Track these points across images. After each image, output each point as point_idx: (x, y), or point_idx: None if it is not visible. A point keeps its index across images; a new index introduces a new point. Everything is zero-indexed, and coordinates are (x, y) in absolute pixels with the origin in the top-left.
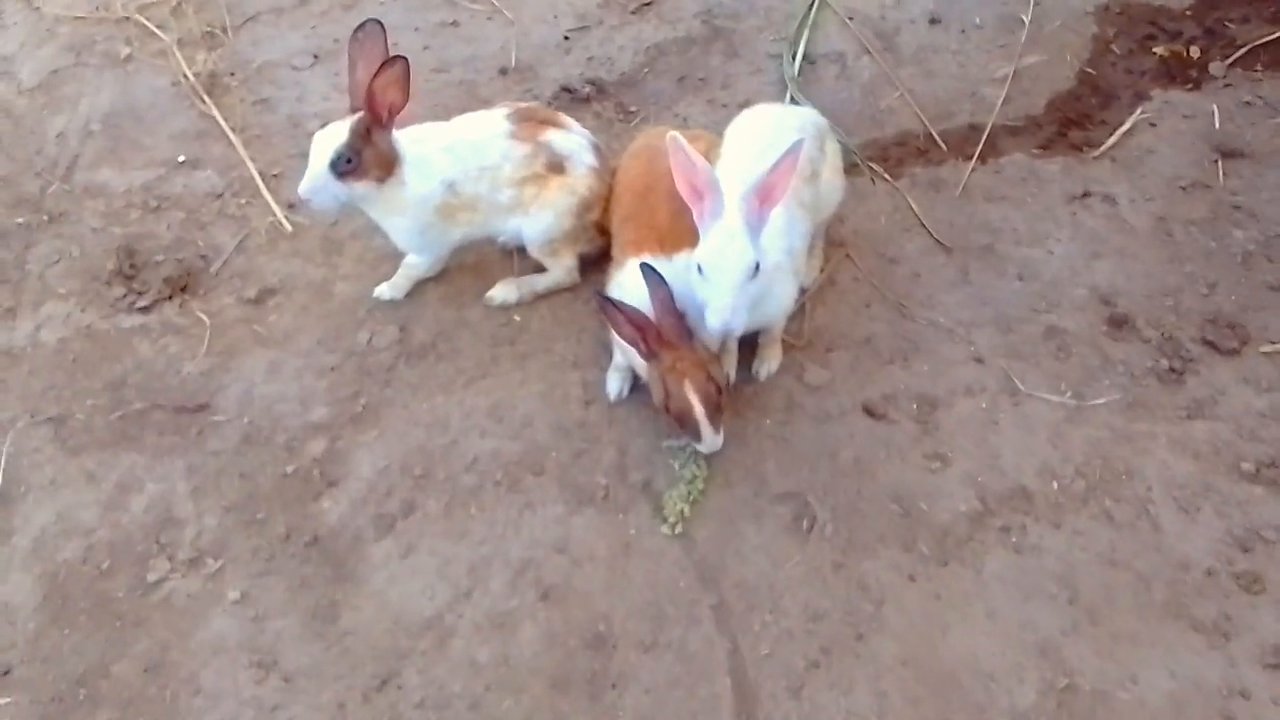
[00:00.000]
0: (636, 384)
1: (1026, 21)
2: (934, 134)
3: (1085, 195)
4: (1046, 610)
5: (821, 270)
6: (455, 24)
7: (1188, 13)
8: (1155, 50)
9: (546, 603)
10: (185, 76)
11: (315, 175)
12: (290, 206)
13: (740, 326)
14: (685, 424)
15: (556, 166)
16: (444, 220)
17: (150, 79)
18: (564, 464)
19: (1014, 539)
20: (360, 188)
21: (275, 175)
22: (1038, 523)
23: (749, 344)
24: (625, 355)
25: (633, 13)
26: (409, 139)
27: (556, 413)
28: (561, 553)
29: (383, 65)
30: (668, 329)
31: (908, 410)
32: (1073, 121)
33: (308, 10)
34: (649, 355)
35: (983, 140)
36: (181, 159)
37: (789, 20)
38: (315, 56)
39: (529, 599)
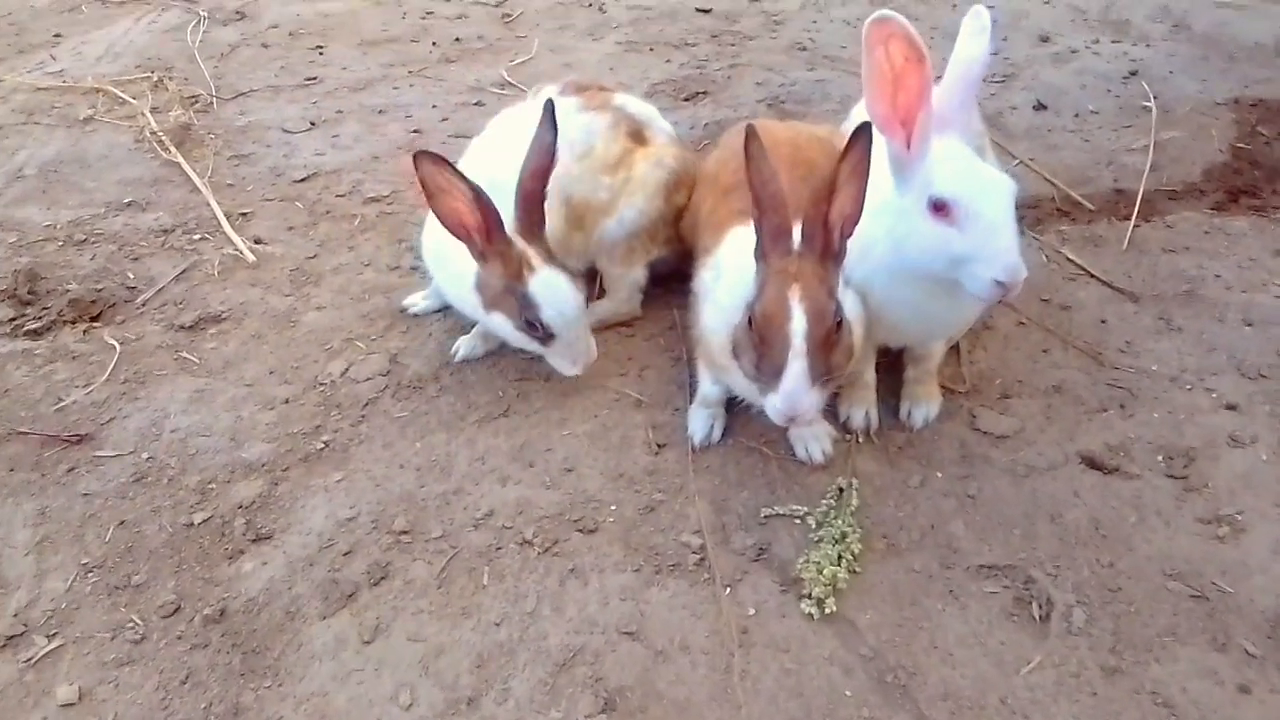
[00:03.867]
0: (730, 428)
1: (1153, 106)
2: (1074, 196)
3: None
4: None
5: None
6: (479, 104)
7: None
8: None
9: (612, 717)
10: (151, 132)
11: None
12: (257, 240)
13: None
14: (766, 349)
15: (638, 135)
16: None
17: (109, 136)
18: (630, 521)
19: None
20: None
21: (244, 214)
22: None
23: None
24: (720, 382)
25: (685, 100)
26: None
27: (614, 458)
28: (634, 639)
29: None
30: (811, 222)
31: (1151, 464)
32: (1242, 190)
33: (310, 90)
34: (764, 250)
35: (1138, 200)
36: (128, 200)
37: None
38: (312, 123)
39: (582, 709)
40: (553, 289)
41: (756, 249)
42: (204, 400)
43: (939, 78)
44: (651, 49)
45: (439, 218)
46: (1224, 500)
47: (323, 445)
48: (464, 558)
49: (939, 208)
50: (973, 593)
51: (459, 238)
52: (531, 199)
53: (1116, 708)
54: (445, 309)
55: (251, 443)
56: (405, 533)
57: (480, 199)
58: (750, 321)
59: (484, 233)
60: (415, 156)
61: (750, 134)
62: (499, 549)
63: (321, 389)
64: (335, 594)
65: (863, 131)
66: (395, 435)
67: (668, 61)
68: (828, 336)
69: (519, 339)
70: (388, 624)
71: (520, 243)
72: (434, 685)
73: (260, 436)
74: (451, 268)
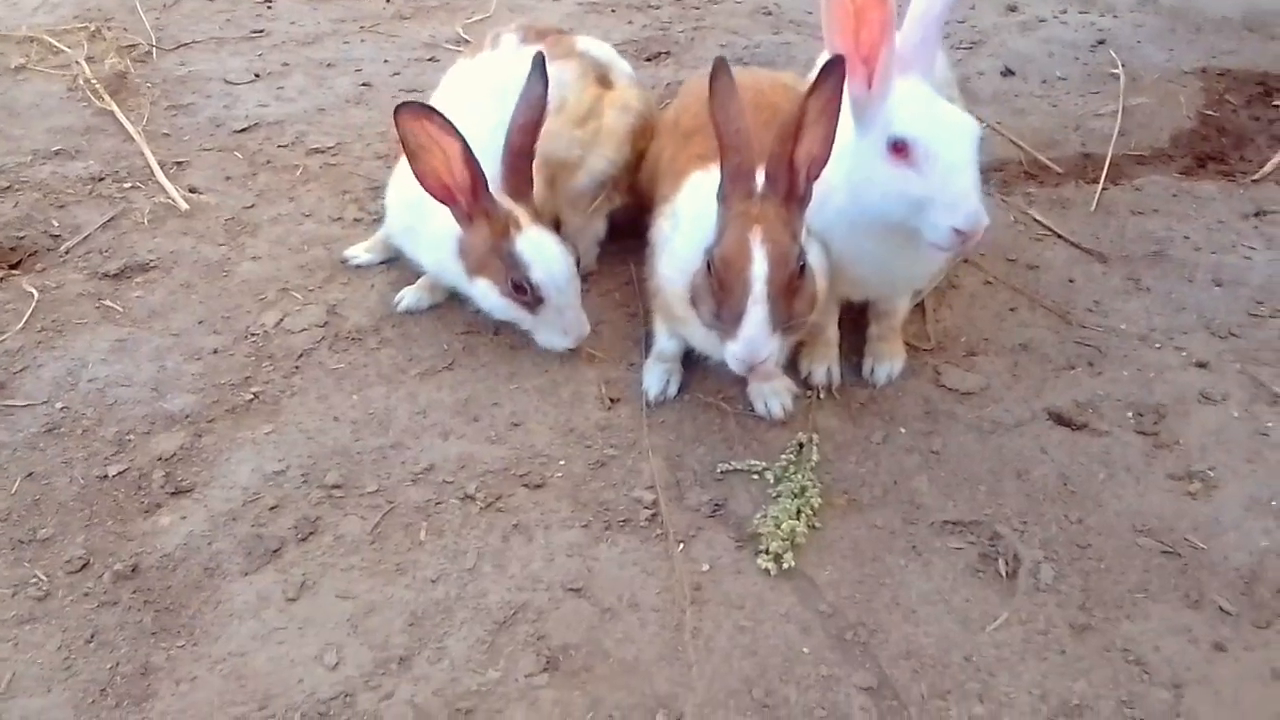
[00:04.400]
0: (687, 383)
1: (1121, 73)
2: (1042, 159)
3: (1261, 213)
4: None
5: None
6: (433, 60)
7: None
8: (1277, 104)
9: (555, 677)
10: (84, 81)
11: None
12: (191, 190)
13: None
14: (726, 294)
15: (604, 80)
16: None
17: (40, 85)
18: (579, 477)
19: None
20: None
21: (179, 163)
22: None
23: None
24: (676, 335)
25: (647, 60)
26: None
27: (565, 414)
28: (580, 596)
29: None
30: (775, 162)
31: (1120, 420)
32: (1209, 156)
33: (256, 43)
34: (726, 191)
35: (1107, 163)
36: (57, 149)
37: None
38: (256, 75)
39: (523, 669)
40: (541, 248)
41: (719, 190)
42: (126, 350)
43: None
44: (613, 10)
45: (419, 178)
46: (1195, 456)
47: (252, 397)
48: (400, 513)
49: (898, 148)
50: (936, 549)
51: (440, 199)
52: (520, 156)
53: (1086, 665)
54: (389, 261)
55: (175, 394)
56: (337, 487)
57: (469, 155)
58: (709, 266)
59: (470, 192)
60: (397, 110)
61: (719, 66)
62: (438, 504)
63: (253, 340)
64: (259, 550)
65: (834, 66)
66: (331, 388)
67: (629, 23)
68: (790, 282)
69: (505, 308)
70: (315, 581)
71: (507, 202)
72: (363, 644)
73: (185, 387)
74: (430, 232)
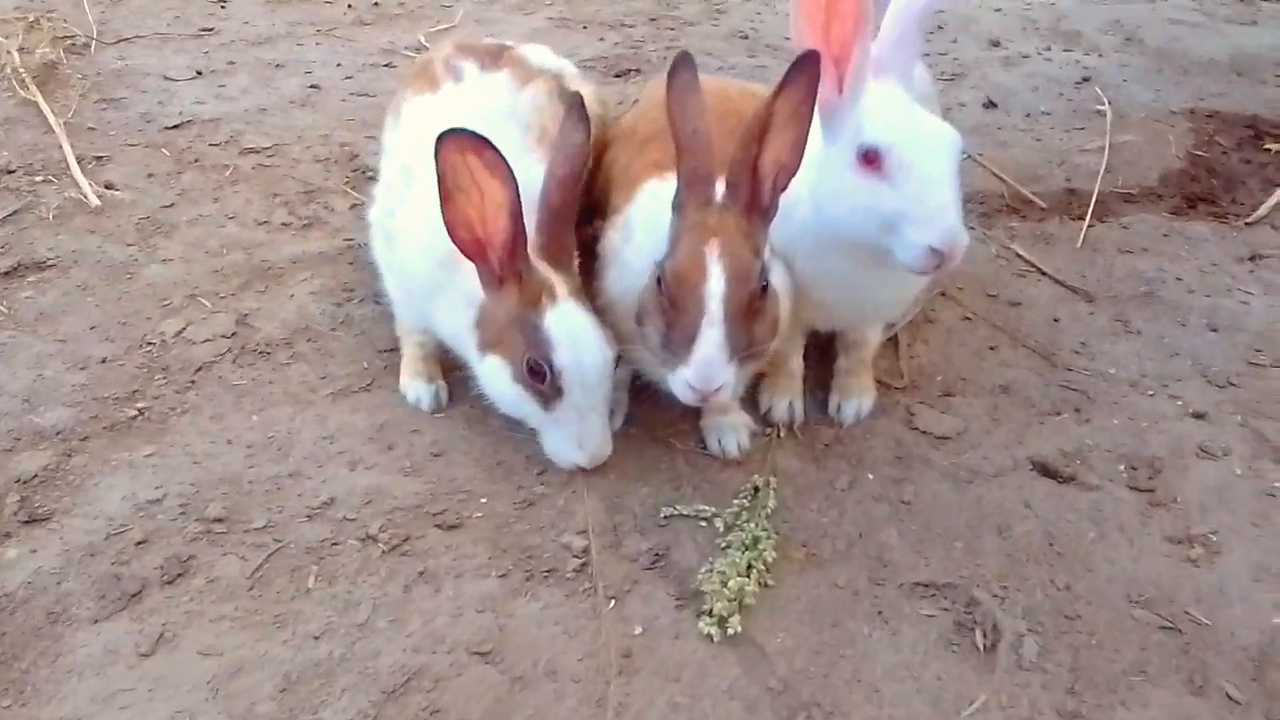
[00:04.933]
0: (633, 415)
1: (1107, 110)
2: (1025, 193)
3: (1257, 257)
4: None
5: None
6: (389, 66)
7: None
8: (1269, 147)
9: None
10: (12, 70)
11: None
12: (108, 186)
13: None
14: (678, 313)
15: (562, 90)
16: None
17: None
18: (502, 517)
19: None
20: None
21: (99, 158)
22: None
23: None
24: (626, 359)
25: (616, 76)
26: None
27: (493, 444)
28: (488, 661)
29: None
30: (738, 167)
31: (1112, 473)
32: (1200, 197)
33: (204, 41)
34: (682, 198)
35: (1094, 199)
36: None
37: None
38: (198, 73)
39: None
40: (575, 328)
41: (675, 198)
42: (2, 356)
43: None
44: (585, 27)
45: (449, 226)
46: (1195, 517)
47: (136, 413)
48: (288, 554)
49: (869, 158)
50: (906, 615)
51: (468, 254)
52: (559, 216)
53: None
54: (328, 267)
55: (49, 407)
56: (219, 521)
57: (516, 205)
58: (659, 281)
59: (508, 250)
60: (441, 140)
61: (680, 59)
62: (334, 545)
63: (148, 349)
64: (115, 593)
65: (806, 61)
66: (228, 406)
67: (601, 39)
68: (750, 302)
69: (514, 397)
70: (176, 633)
71: (543, 268)
72: (222, 713)
73: (62, 400)
74: (460, 293)
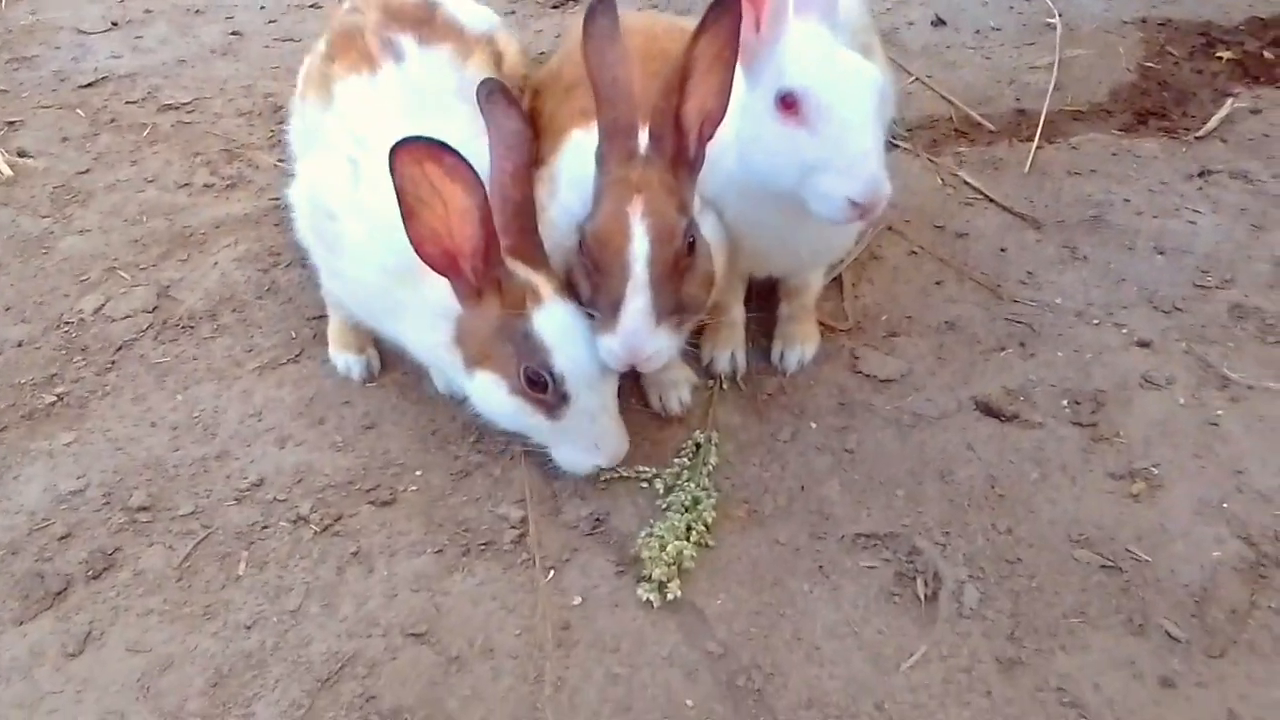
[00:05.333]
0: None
1: (1058, 24)
2: (974, 116)
3: (1206, 173)
4: None
5: (856, 240)
6: (315, 7)
7: (1241, 27)
8: (1220, 55)
9: None
10: None
11: None
12: (20, 154)
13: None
14: (602, 277)
15: (496, 54)
16: None
17: None
18: (437, 490)
19: None
20: None
21: (10, 123)
22: None
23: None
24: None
25: (554, 7)
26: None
27: (428, 413)
28: (423, 641)
29: None
30: (660, 116)
31: (1055, 410)
32: (1150, 112)
33: None
34: (603, 151)
35: (1041, 120)
36: None
37: None
38: (114, 24)
39: None
40: (568, 328)
41: (596, 151)
42: None
43: None
44: None
45: (415, 243)
46: (1138, 452)
47: (55, 399)
48: (217, 541)
49: (788, 103)
50: (847, 569)
51: (440, 270)
52: (523, 210)
53: (1016, 711)
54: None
55: None
56: (144, 509)
57: (486, 211)
58: (582, 244)
59: (481, 258)
60: (395, 150)
61: (597, 6)
62: (264, 529)
63: (65, 329)
64: (39, 592)
65: (727, 0)
66: (150, 386)
67: None
68: (677, 262)
69: (514, 411)
70: (103, 630)
71: (520, 269)
72: (151, 712)
73: None
74: (424, 306)
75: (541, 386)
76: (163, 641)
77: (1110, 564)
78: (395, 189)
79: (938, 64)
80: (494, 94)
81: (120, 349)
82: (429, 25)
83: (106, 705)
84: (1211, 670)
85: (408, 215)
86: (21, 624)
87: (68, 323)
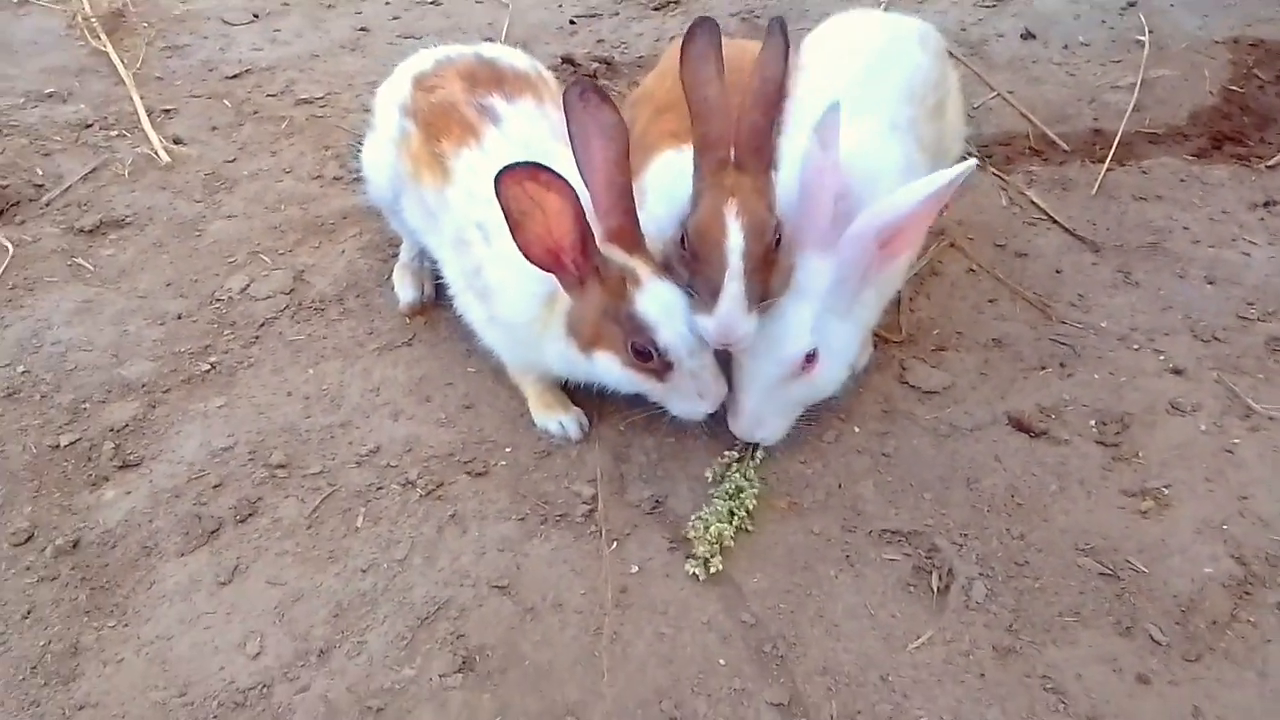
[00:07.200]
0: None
1: (1146, 41)
2: (1050, 134)
3: (1270, 204)
4: None
5: (920, 255)
6: (435, 4)
7: None
8: None
9: (468, 678)
10: (83, 18)
11: None
12: (176, 140)
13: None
14: (701, 267)
15: (549, 88)
16: None
17: (39, 21)
18: (523, 465)
19: None
20: None
21: (166, 111)
22: None
23: None
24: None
25: (655, 9)
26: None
27: (518, 397)
28: (505, 594)
29: None
30: (746, 131)
31: (1082, 428)
32: (1227, 136)
33: None
34: (697, 160)
35: (1115, 142)
36: (50, 91)
37: None
38: (255, 15)
39: (437, 668)
40: (666, 304)
41: (693, 159)
42: (91, 311)
43: None
44: None
45: (524, 250)
46: (1153, 472)
47: (209, 367)
48: (340, 497)
49: None
50: (871, 560)
51: (548, 268)
52: (622, 196)
53: (1003, 692)
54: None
55: (134, 360)
56: (282, 466)
57: (579, 207)
58: (683, 239)
59: (579, 249)
60: (500, 176)
61: (696, 28)
62: (379, 489)
63: (217, 306)
64: (197, 530)
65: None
66: (287, 360)
67: None
68: (766, 255)
69: (630, 380)
70: (247, 565)
71: (618, 254)
72: (285, 634)
73: (145, 354)
74: (555, 322)
75: (648, 357)
76: (295, 578)
77: (1109, 572)
78: (502, 208)
79: (1022, 79)
80: (587, 92)
81: (263, 325)
82: (505, 82)
83: (250, 626)
84: (1186, 672)
85: (515, 228)
86: (182, 555)
87: (218, 300)
